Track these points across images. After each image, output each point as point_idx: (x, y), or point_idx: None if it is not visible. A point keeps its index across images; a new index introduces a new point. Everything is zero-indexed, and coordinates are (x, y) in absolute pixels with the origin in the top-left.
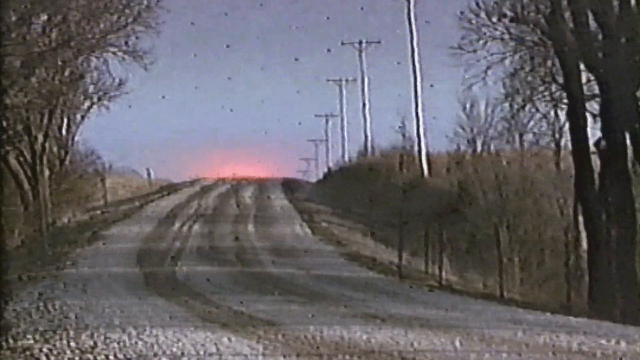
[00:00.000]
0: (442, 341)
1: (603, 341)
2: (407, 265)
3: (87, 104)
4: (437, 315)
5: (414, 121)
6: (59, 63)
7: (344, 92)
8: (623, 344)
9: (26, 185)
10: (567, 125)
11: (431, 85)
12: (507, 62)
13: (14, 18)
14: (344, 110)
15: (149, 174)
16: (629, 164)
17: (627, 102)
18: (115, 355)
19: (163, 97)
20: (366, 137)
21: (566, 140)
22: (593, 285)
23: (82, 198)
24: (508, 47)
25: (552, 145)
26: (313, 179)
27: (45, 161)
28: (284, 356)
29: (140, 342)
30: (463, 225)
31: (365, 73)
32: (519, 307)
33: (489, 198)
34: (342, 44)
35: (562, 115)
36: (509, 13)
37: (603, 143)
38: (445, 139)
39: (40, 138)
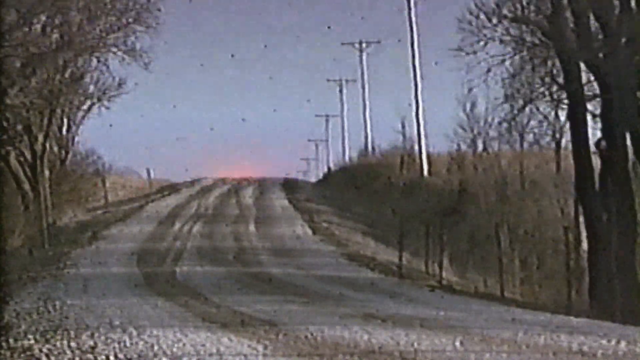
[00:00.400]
0: (443, 341)
1: (603, 341)
2: (408, 265)
3: (87, 104)
4: (437, 315)
5: (414, 121)
6: (59, 63)
7: (344, 92)
8: (623, 344)
9: (26, 186)
10: (567, 126)
11: (435, 63)
12: (507, 62)
13: (14, 18)
14: (344, 110)
15: (149, 174)
16: (629, 164)
17: (627, 102)
18: (115, 356)
19: (174, 106)
20: (366, 137)
21: (566, 141)
22: (593, 285)
23: (82, 198)
24: (508, 48)
25: (552, 145)
26: (313, 179)
27: (45, 161)
28: (284, 356)
29: (140, 342)
30: (463, 225)
31: (365, 73)
32: (519, 307)
33: (489, 198)
34: (342, 44)
35: (563, 115)
36: (509, 14)
37: (603, 143)
38: (445, 139)
39: (41, 138)
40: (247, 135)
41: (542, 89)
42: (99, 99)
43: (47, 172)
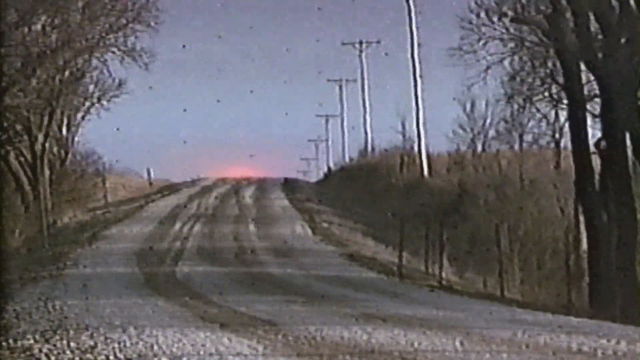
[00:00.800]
0: (443, 341)
1: (603, 341)
2: (408, 265)
3: (87, 104)
4: (437, 315)
5: (414, 121)
6: (59, 63)
7: (344, 92)
8: (623, 344)
9: (27, 186)
10: (567, 125)
11: (437, 52)
12: (507, 62)
13: (14, 18)
14: (344, 110)
15: (149, 174)
16: (629, 164)
17: (627, 102)
18: (115, 356)
19: (185, 110)
20: (366, 137)
21: (566, 140)
22: (593, 285)
23: (82, 198)
24: (508, 48)
25: (552, 145)
26: (313, 179)
27: (45, 161)
28: (284, 356)
29: (140, 342)
30: (463, 225)
31: (365, 73)
32: (519, 307)
33: (489, 198)
34: (342, 44)
35: (562, 115)
36: (509, 13)
37: (603, 143)
38: (445, 139)
39: (41, 138)
40: (247, 135)
41: (542, 89)
42: (99, 99)
43: (47, 172)
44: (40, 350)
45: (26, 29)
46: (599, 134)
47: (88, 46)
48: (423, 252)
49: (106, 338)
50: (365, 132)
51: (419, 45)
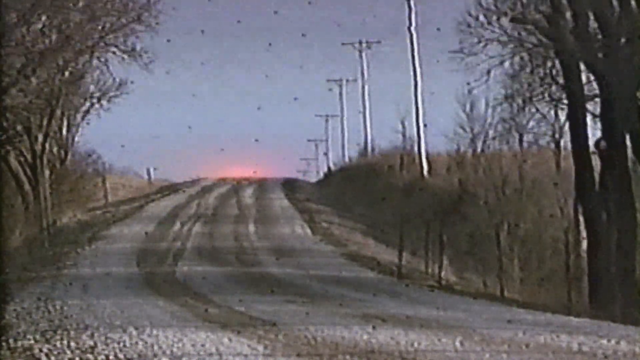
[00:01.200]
0: (443, 341)
1: (603, 341)
2: (407, 265)
3: (87, 104)
4: (437, 315)
5: (414, 121)
6: (59, 63)
7: (344, 92)
8: (623, 344)
9: (26, 186)
10: (567, 126)
11: (437, 61)
12: (507, 63)
13: (14, 18)
14: (344, 110)
15: (149, 174)
16: (629, 164)
17: (627, 102)
18: (115, 356)
19: (194, 95)
20: (366, 137)
21: (566, 140)
22: (593, 285)
23: (82, 198)
24: (508, 49)
25: (552, 145)
26: (313, 179)
27: (45, 161)
28: (284, 356)
29: (140, 342)
30: (463, 225)
31: (365, 73)
32: (519, 307)
33: (489, 198)
34: (342, 44)
35: (562, 115)
36: (509, 14)
37: (603, 143)
38: (445, 139)
39: (41, 138)
40: (247, 135)
41: (541, 89)
42: (99, 99)
43: (47, 172)
44: (40, 350)
45: (26, 29)
46: (599, 134)
47: (88, 46)
48: (423, 252)
49: (106, 338)
50: (365, 132)
51: (419, 45)
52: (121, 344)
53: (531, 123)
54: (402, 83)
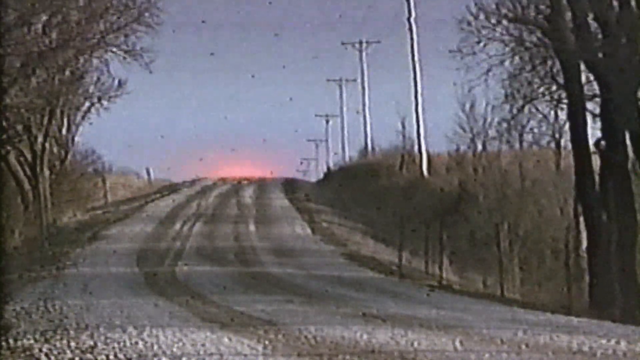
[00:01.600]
0: (442, 341)
1: (603, 341)
2: (407, 265)
3: (87, 104)
4: (437, 315)
5: (414, 121)
6: (59, 63)
7: (344, 92)
8: (623, 344)
9: (26, 185)
10: (567, 125)
11: (432, 92)
12: (507, 62)
13: (14, 18)
14: (344, 110)
15: (149, 174)
16: (629, 164)
17: (627, 102)
18: (115, 355)
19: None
20: (366, 137)
21: (566, 140)
22: (593, 285)
23: (82, 198)
24: (508, 49)
25: (552, 145)
26: (313, 179)
27: (45, 161)
28: (284, 356)
29: (140, 342)
30: (463, 225)
31: (365, 73)
32: (519, 307)
33: (489, 198)
34: (342, 44)
35: (562, 115)
36: (508, 14)
37: (603, 143)
38: (445, 139)
39: (40, 138)
40: (247, 135)
41: (541, 89)
42: (99, 99)
43: (47, 172)
44: (40, 350)
45: (26, 29)
46: (599, 134)
47: (88, 46)
48: (423, 252)
49: (106, 338)
50: (365, 132)
51: (418, 45)
52: (121, 344)
53: (531, 123)
54: (402, 83)
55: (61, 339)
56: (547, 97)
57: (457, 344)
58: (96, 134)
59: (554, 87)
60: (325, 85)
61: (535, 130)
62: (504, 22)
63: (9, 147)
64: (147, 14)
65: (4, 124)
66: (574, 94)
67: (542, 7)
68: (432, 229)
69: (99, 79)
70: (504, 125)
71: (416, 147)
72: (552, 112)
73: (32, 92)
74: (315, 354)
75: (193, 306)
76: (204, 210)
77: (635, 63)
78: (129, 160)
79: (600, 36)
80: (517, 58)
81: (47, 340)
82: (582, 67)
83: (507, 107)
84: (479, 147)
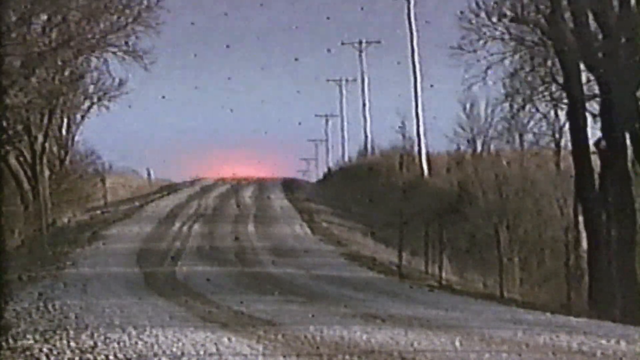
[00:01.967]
0: (442, 341)
1: (603, 341)
2: (407, 265)
3: (87, 104)
4: (437, 315)
5: (414, 121)
6: (59, 63)
7: (344, 92)
8: (623, 344)
9: (26, 185)
10: (567, 125)
11: (431, 86)
12: (507, 62)
13: (14, 18)
14: (344, 110)
15: (149, 174)
16: (629, 164)
17: (627, 102)
18: (115, 355)
19: (163, 97)
20: (366, 137)
21: (566, 140)
22: (593, 285)
23: (82, 198)
24: (508, 47)
25: (552, 145)
26: (313, 179)
27: (45, 161)
28: (284, 356)
29: (140, 342)
30: (463, 225)
31: (365, 73)
32: (519, 307)
33: (489, 198)
34: (342, 44)
35: (562, 115)
36: (509, 13)
37: (603, 143)
38: (445, 139)
39: (40, 138)
40: (247, 135)
41: (541, 89)
42: (99, 99)
43: (47, 172)
44: (40, 350)
45: (26, 29)
46: (599, 134)
47: (88, 46)
48: (423, 252)
49: (106, 338)
50: (365, 132)
51: (418, 45)
52: (121, 344)
53: (531, 123)
54: (402, 83)
55: (61, 339)
56: (547, 97)
57: (457, 344)
58: (96, 134)
59: (554, 87)
60: (325, 85)
61: (535, 130)
62: (505, 21)
63: (9, 147)
64: (146, 14)
65: (4, 124)
66: (574, 94)
67: (542, 6)
68: (432, 229)
69: (99, 79)
70: (504, 124)
71: (416, 147)
72: (552, 112)
73: (32, 92)
74: (315, 354)
75: (193, 306)
76: (203, 210)
77: (635, 63)
78: (129, 160)
79: (600, 36)
80: (517, 57)
81: (47, 340)
82: (582, 67)
83: (507, 106)
84: (479, 147)
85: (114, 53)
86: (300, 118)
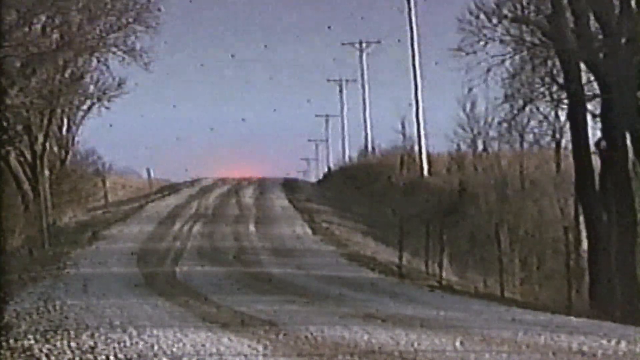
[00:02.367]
0: (443, 341)
1: (603, 341)
2: (408, 265)
3: (87, 104)
4: (437, 315)
5: (414, 121)
6: (59, 63)
7: (344, 92)
8: (623, 344)
9: (26, 186)
10: (567, 126)
11: (435, 63)
12: (507, 62)
13: (14, 18)
14: (344, 110)
15: (149, 174)
16: (629, 164)
17: (627, 102)
18: (115, 356)
19: (174, 106)
20: (366, 137)
21: (566, 140)
22: (593, 285)
23: (82, 198)
24: (508, 48)
25: (552, 145)
26: (313, 179)
27: (45, 161)
28: (284, 356)
29: (140, 342)
30: (463, 225)
31: (365, 73)
32: (519, 307)
33: (489, 198)
34: (342, 44)
35: (563, 115)
36: (509, 14)
37: (603, 143)
38: (445, 139)
39: (41, 138)
40: (247, 135)
41: (542, 89)
42: (99, 99)
43: (47, 172)
44: (40, 350)
45: (26, 29)
46: (599, 134)
47: (88, 46)
48: (423, 252)
49: (106, 338)
50: (365, 132)
51: (419, 45)
52: (121, 344)
53: (532, 123)
54: (402, 83)
55: (61, 339)
56: (547, 97)
57: (457, 344)
58: (96, 134)
59: (554, 87)
60: (325, 85)
61: (536, 130)
62: (505, 22)
63: (9, 147)
64: (146, 14)
65: (4, 124)
66: (574, 94)
67: (542, 7)
68: (432, 229)
69: (98, 79)
70: (505, 125)
71: (416, 147)
72: (552, 112)
73: (32, 92)
74: (315, 354)
75: (193, 306)
76: (204, 210)
77: (635, 63)
78: (129, 161)
79: (600, 36)
80: (517, 58)
81: (47, 341)
82: (583, 67)
83: (507, 107)
84: (479, 147)
85: (114, 53)
86: (301, 118)
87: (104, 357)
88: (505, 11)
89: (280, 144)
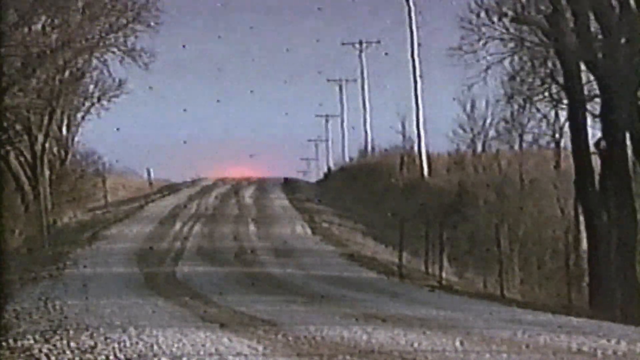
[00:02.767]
0: (443, 341)
1: (603, 341)
2: (407, 265)
3: (87, 104)
4: (437, 315)
5: (414, 121)
6: (59, 63)
7: (344, 92)
8: (623, 344)
9: (26, 186)
10: (567, 126)
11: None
12: (507, 62)
13: (14, 18)
14: (344, 110)
15: (149, 174)
16: (629, 164)
17: (627, 102)
18: (115, 356)
19: (185, 110)
20: (366, 137)
21: (566, 140)
22: (593, 285)
23: (82, 198)
24: (508, 48)
25: (552, 145)
26: (313, 179)
27: (45, 161)
28: (284, 356)
29: (140, 342)
30: (463, 225)
31: (365, 73)
32: (519, 307)
33: (489, 198)
34: (342, 44)
35: (562, 115)
36: (509, 13)
37: (603, 143)
38: (445, 139)
39: (41, 138)
40: (247, 135)
41: (542, 89)
42: (99, 99)
43: (47, 172)
44: (40, 350)
45: (26, 29)
46: (599, 134)
47: (88, 46)
48: (423, 252)
49: (106, 338)
50: (365, 132)
51: (419, 45)
52: (121, 344)
53: (531, 123)
54: (402, 83)
55: (61, 339)
56: (547, 97)
57: (457, 344)
58: (96, 134)
59: (554, 87)
60: (325, 85)
61: (535, 130)
62: (505, 21)
63: (9, 147)
64: (146, 14)
65: (4, 124)
66: (574, 94)
67: (542, 6)
68: (432, 229)
69: (98, 79)
70: (504, 125)
71: (416, 148)
72: (552, 112)
73: (32, 92)
74: (315, 354)
75: (193, 306)
76: (204, 210)
77: (635, 63)
78: (129, 161)
79: (600, 36)
80: (517, 57)
81: (47, 341)
82: (582, 67)
83: (507, 107)
84: (479, 147)
85: (114, 53)
86: (300, 118)
87: (103, 357)
88: (505, 10)
89: (280, 144)
